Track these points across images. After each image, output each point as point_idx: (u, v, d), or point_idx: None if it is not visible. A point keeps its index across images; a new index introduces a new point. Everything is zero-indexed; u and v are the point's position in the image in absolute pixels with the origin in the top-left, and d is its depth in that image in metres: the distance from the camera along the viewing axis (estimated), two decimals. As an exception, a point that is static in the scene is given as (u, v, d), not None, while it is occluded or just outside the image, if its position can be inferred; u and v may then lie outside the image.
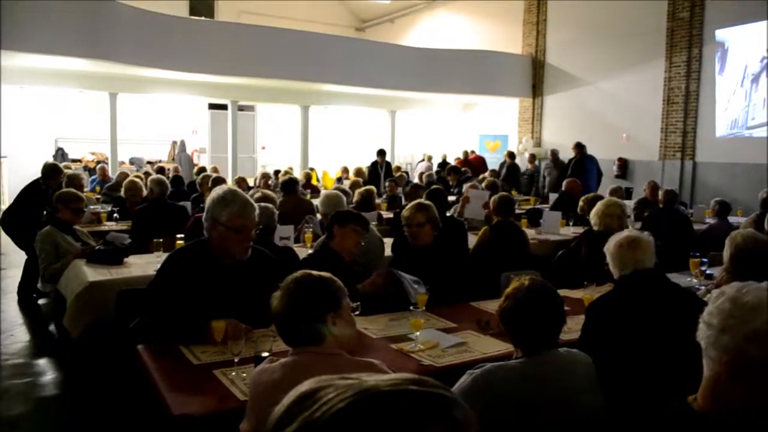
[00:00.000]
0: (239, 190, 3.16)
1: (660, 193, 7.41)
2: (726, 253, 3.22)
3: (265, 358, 2.42)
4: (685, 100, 12.56)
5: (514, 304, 2.21)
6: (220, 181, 7.06)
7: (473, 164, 14.47)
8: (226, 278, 2.97)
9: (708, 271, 4.53)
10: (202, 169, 10.52)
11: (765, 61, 11.46)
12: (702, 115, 12.43)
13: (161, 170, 10.63)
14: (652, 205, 7.95)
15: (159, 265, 3.12)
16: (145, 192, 6.72)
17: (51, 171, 7.06)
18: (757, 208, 6.95)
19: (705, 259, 4.60)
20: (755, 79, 11.60)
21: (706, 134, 12.39)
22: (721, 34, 12.09)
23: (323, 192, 5.68)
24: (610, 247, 2.96)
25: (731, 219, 7.37)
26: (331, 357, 1.94)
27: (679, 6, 12.57)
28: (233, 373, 2.47)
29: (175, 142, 17.18)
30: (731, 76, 11.99)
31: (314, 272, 2.07)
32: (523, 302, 2.19)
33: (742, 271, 3.06)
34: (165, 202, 6.24)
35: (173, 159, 16.72)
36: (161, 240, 4.65)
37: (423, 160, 16.29)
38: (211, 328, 2.72)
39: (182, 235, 4.74)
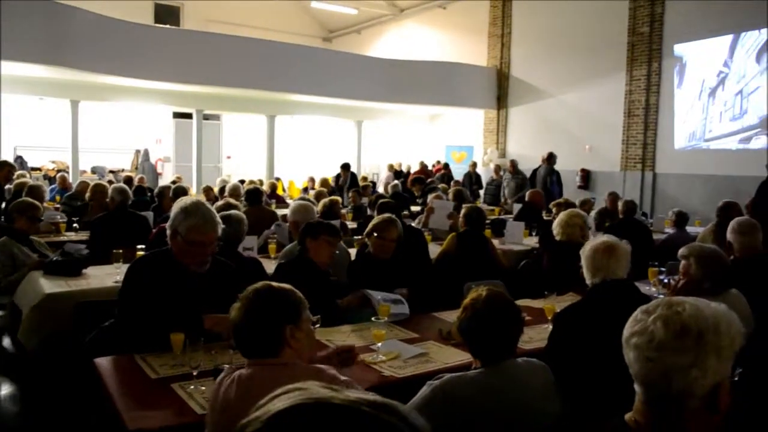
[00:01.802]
0: (206, 204, 3.14)
1: (620, 203, 7.53)
2: (697, 268, 3.22)
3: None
4: (645, 113, 12.84)
5: (471, 316, 2.21)
6: (181, 190, 6.98)
7: (435, 175, 14.55)
8: (191, 287, 2.95)
9: (666, 280, 4.61)
10: (176, 183, 10.39)
11: (721, 75, 11.78)
12: (661, 128, 12.71)
13: (129, 180, 10.48)
14: (613, 215, 8.08)
15: (119, 276, 3.08)
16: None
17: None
18: (714, 218, 7.11)
19: (663, 269, 4.69)
20: (712, 92, 11.92)
21: (665, 146, 12.68)
22: (679, 48, 12.40)
23: (295, 202, 5.64)
24: (586, 250, 2.92)
25: (689, 229, 7.52)
26: (287, 368, 1.91)
27: (639, 21, 12.86)
28: (191, 387, 2.43)
29: (138, 151, 16.95)
30: (689, 89, 12.29)
31: (275, 283, 2.05)
32: (480, 313, 2.19)
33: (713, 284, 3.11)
34: (126, 212, 6.12)
35: (136, 168, 16.49)
36: (121, 251, 4.57)
37: (394, 170, 16.33)
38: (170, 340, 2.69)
39: (143, 246, 4.67)
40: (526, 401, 2.14)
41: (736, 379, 1.44)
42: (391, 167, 16.50)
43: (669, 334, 1.39)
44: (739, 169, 11.30)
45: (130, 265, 3.10)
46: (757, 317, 3.16)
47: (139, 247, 4.67)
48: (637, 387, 1.46)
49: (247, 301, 1.97)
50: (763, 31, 11.06)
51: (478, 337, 2.21)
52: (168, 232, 3.00)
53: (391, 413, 0.72)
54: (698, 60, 12.13)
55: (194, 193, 11.02)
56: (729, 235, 4.03)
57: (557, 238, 4.73)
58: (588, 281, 2.91)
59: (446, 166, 15.57)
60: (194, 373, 2.47)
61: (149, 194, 8.91)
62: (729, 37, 11.60)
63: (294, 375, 1.84)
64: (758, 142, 11.23)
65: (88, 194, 6.88)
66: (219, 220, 3.08)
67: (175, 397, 2.37)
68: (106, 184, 7.08)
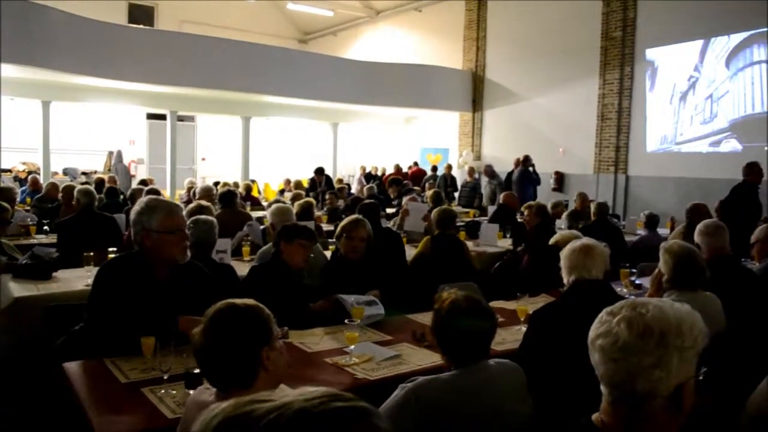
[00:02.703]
0: (160, 196, 3.13)
1: (592, 206, 7.62)
2: (666, 265, 3.27)
3: (197, 374, 2.39)
4: (618, 116, 13.01)
5: (442, 318, 2.21)
6: (154, 193, 6.91)
7: (410, 178, 14.58)
8: (162, 290, 2.92)
9: (637, 281, 4.68)
10: (144, 183, 10.26)
11: (692, 79, 11.98)
12: (634, 131, 12.89)
13: (101, 181, 10.34)
14: (582, 216, 8.19)
15: (90, 280, 3.05)
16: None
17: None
18: (684, 220, 7.22)
19: (634, 270, 4.76)
20: (683, 96, 12.11)
21: (637, 149, 12.85)
22: (651, 53, 12.58)
23: (274, 205, 5.62)
24: (565, 250, 2.97)
25: (660, 231, 7.63)
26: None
27: (612, 26, 13.03)
28: (162, 391, 2.41)
29: (111, 153, 16.75)
30: (661, 93, 12.48)
31: (238, 301, 1.82)
32: (452, 316, 2.19)
33: (682, 281, 3.15)
34: (93, 214, 6.01)
35: (109, 170, 16.29)
36: (91, 253, 4.51)
37: (365, 173, 16.34)
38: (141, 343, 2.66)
39: (114, 249, 4.62)
40: (498, 403, 2.15)
41: (700, 378, 1.46)
42: (363, 169, 16.51)
43: (632, 335, 1.41)
44: (710, 171, 11.50)
45: (100, 268, 3.06)
46: (727, 317, 3.22)
47: (110, 249, 4.62)
48: (603, 388, 1.48)
49: (211, 324, 1.75)
50: (732, 36, 11.27)
51: (450, 340, 2.20)
52: (137, 236, 2.95)
53: (356, 399, 0.75)
54: (669, 64, 12.32)
55: (168, 196, 10.92)
56: (697, 237, 4.10)
57: (551, 241, 4.73)
58: (565, 280, 2.95)
59: (435, 168, 15.57)
60: (165, 377, 2.45)
61: (122, 196, 8.81)
62: (699, 42, 11.80)
63: None
64: (728, 146, 11.43)
65: (60, 195, 6.77)
66: (180, 205, 3.11)
67: (145, 402, 2.35)
68: (77, 186, 6.97)
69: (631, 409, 1.43)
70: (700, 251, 3.91)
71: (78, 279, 4.41)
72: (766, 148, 10.78)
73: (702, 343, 1.44)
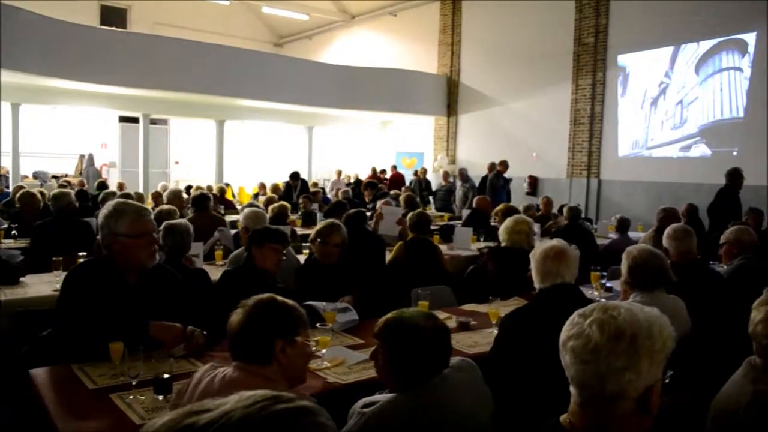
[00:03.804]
0: (128, 200, 3.09)
1: (564, 210, 7.71)
2: (624, 267, 3.34)
3: (166, 380, 2.37)
4: (590, 121, 13.17)
5: (386, 349, 2.08)
6: (126, 198, 6.82)
7: (390, 181, 14.61)
8: (131, 295, 2.89)
9: (608, 284, 4.73)
10: (103, 184, 10.13)
11: (663, 85, 12.17)
12: (606, 136, 13.05)
13: (66, 185, 10.21)
14: (548, 219, 8.32)
15: (58, 285, 3.00)
16: (42, 205, 6.43)
17: None
18: (655, 224, 7.33)
19: (605, 273, 4.81)
20: (654, 102, 12.30)
21: (609, 154, 13.02)
22: (622, 59, 12.76)
23: (248, 209, 5.59)
24: (536, 255, 2.94)
25: (631, 234, 7.74)
26: (268, 382, 1.87)
27: (584, 32, 13.19)
28: (131, 397, 2.38)
29: (82, 156, 16.56)
30: (632, 99, 12.66)
31: (280, 298, 2.07)
32: (394, 344, 2.07)
33: (639, 282, 3.21)
34: (67, 218, 5.95)
35: (80, 173, 16.09)
36: (60, 258, 4.45)
37: (340, 178, 16.30)
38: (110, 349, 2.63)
39: (84, 253, 4.56)
40: (460, 412, 2.08)
41: (666, 381, 1.49)
42: (339, 173, 16.50)
43: (604, 337, 1.43)
44: (680, 176, 11.70)
45: (68, 272, 3.01)
46: (694, 319, 3.27)
47: (80, 254, 4.56)
48: (572, 389, 1.50)
49: (246, 308, 2.01)
50: (702, 43, 11.48)
51: (398, 369, 2.07)
52: (104, 242, 2.92)
53: (299, 398, 0.77)
54: (641, 70, 12.50)
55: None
56: (665, 241, 4.16)
57: (503, 244, 4.79)
58: (536, 285, 2.94)
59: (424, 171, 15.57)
60: (133, 383, 2.42)
61: (92, 199, 8.70)
62: (670, 49, 12.00)
63: None
64: (697, 150, 11.63)
65: (17, 204, 6.66)
66: (149, 210, 3.06)
67: (113, 408, 2.32)
68: (36, 193, 6.89)
69: (600, 410, 1.45)
70: (668, 255, 3.98)
71: (47, 284, 4.34)
72: (734, 153, 10.99)
73: (671, 347, 1.47)
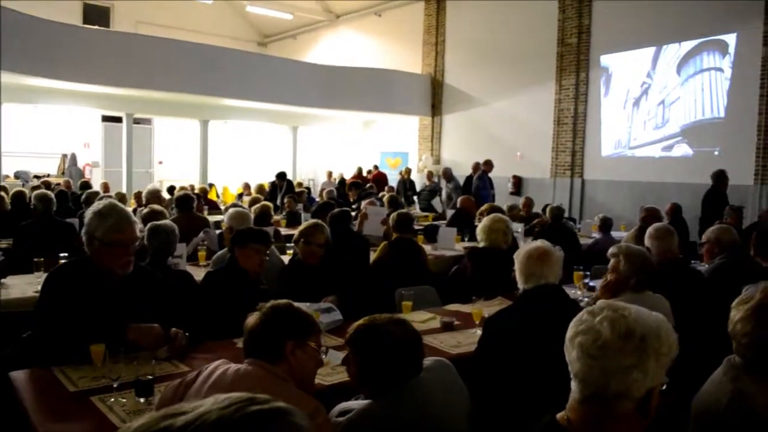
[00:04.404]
0: (119, 204, 3.05)
1: (547, 209, 7.75)
2: (620, 266, 3.32)
3: (147, 382, 2.35)
4: (574, 121, 13.24)
5: (356, 357, 2.10)
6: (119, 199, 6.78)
7: (372, 182, 14.60)
8: (112, 296, 2.87)
9: (591, 284, 4.76)
10: (86, 184, 10.04)
11: (645, 85, 12.26)
12: (589, 136, 13.13)
13: (47, 185, 10.11)
14: (531, 219, 8.38)
15: (39, 286, 2.98)
16: (8, 205, 6.38)
17: None
18: (638, 223, 7.39)
19: (588, 273, 4.84)
20: (636, 102, 12.39)
21: (593, 153, 13.09)
22: (605, 59, 12.84)
23: (231, 209, 5.57)
24: (519, 256, 2.95)
25: (614, 233, 7.79)
26: (278, 381, 1.95)
27: (567, 32, 13.26)
28: (112, 399, 2.37)
29: (65, 156, 16.39)
30: (615, 99, 12.74)
31: (296, 304, 2.14)
32: (364, 352, 2.08)
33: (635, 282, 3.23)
34: (51, 219, 5.93)
35: (63, 173, 15.93)
36: (42, 259, 4.41)
37: (331, 179, 16.28)
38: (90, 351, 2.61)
39: (66, 254, 4.52)
40: (437, 414, 2.08)
41: (663, 388, 1.51)
42: (329, 174, 16.48)
43: (615, 335, 1.44)
44: (662, 175, 11.80)
45: (48, 274, 2.99)
46: (676, 318, 3.30)
47: (61, 255, 4.52)
48: (574, 385, 1.50)
49: (264, 310, 2.09)
50: (683, 44, 11.58)
51: (368, 376, 2.09)
52: (84, 239, 2.90)
53: (274, 400, 0.77)
54: (623, 71, 12.59)
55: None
56: (647, 241, 4.20)
57: (481, 244, 4.80)
58: (520, 286, 2.94)
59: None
60: (115, 386, 2.40)
61: (74, 200, 8.62)
62: (652, 49, 12.09)
63: (279, 394, 1.82)
64: (679, 150, 11.73)
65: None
66: (135, 218, 3.01)
67: (94, 411, 2.30)
68: (2, 193, 6.84)
69: (601, 408, 1.46)
70: (650, 254, 4.01)
71: (28, 285, 4.30)
72: (716, 153, 11.10)
73: (675, 352, 1.49)
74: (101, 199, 6.82)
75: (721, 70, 11.12)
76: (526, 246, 3.02)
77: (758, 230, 5.35)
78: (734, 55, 10.89)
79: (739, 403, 1.92)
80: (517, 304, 2.94)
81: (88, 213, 2.92)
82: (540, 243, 3.01)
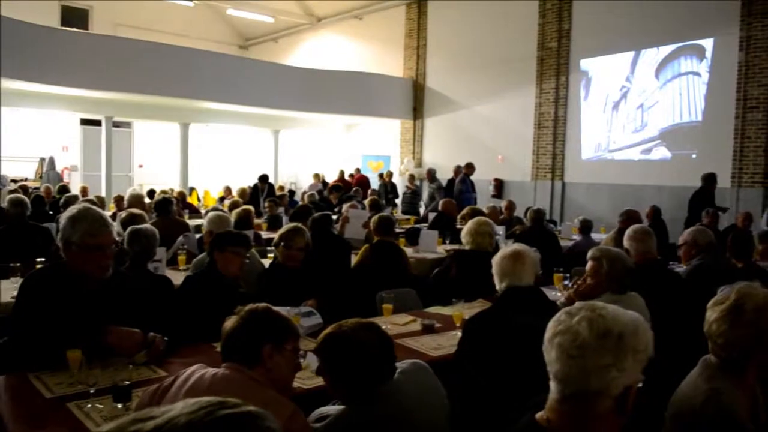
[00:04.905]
0: (94, 207, 3.02)
1: (528, 212, 7.79)
2: (600, 268, 3.34)
3: (125, 387, 2.33)
4: (554, 125, 13.34)
5: (327, 364, 2.12)
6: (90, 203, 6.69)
7: (354, 185, 14.59)
8: (89, 301, 2.83)
9: (571, 285, 4.78)
10: (64, 188, 9.93)
11: (624, 89, 12.39)
12: (569, 139, 13.23)
13: (25, 189, 10.00)
14: (512, 223, 8.42)
15: (16, 292, 2.94)
16: None
17: None
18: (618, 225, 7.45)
19: (568, 275, 4.87)
20: (615, 106, 12.51)
21: (573, 156, 13.20)
22: (585, 63, 12.96)
23: (211, 213, 5.53)
24: (496, 257, 3.04)
25: (594, 236, 7.85)
26: (256, 385, 1.94)
27: (547, 37, 13.36)
28: (88, 405, 2.34)
29: (43, 159, 16.20)
30: (595, 102, 12.86)
31: (275, 308, 2.14)
32: (334, 359, 2.10)
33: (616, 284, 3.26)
34: (25, 224, 5.84)
35: (41, 177, 15.75)
36: (18, 264, 4.35)
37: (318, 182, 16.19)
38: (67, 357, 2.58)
39: (42, 259, 4.47)
40: (415, 416, 2.07)
41: (640, 385, 1.52)
42: (317, 177, 16.43)
43: (593, 334, 1.46)
44: (641, 178, 11.92)
45: (24, 279, 2.96)
46: (653, 319, 3.33)
47: (38, 260, 4.46)
48: (554, 385, 1.52)
49: (241, 313, 2.08)
50: (661, 48, 11.72)
51: (340, 383, 2.10)
52: (60, 245, 2.87)
53: (244, 404, 0.78)
54: (603, 75, 12.71)
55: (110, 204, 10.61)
56: (625, 242, 4.24)
57: (466, 247, 4.82)
58: (497, 286, 3.01)
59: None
60: (91, 391, 2.37)
61: (52, 204, 8.52)
62: (630, 54, 12.22)
63: (257, 398, 1.82)
64: (658, 153, 11.86)
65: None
66: (111, 221, 2.98)
67: (70, 417, 2.27)
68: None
69: (581, 407, 1.48)
70: (629, 255, 4.05)
71: (4, 291, 4.24)
72: (693, 156, 11.24)
73: (651, 350, 1.51)
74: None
75: (698, 74, 11.26)
76: (504, 249, 3.09)
77: (734, 233, 5.42)
78: (711, 60, 11.04)
79: (714, 402, 1.95)
80: (496, 305, 2.97)
81: (63, 219, 2.88)
82: (516, 245, 3.09)
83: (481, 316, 2.95)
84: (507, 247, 3.09)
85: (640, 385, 1.52)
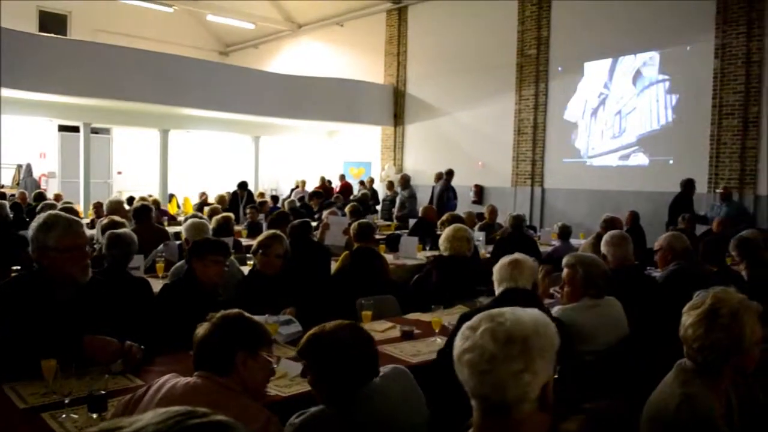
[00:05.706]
0: (60, 212, 3.00)
1: (508, 218, 7.84)
2: (576, 274, 3.37)
3: (100, 397, 2.31)
4: (534, 131, 13.44)
5: (310, 366, 2.13)
6: (67, 210, 6.63)
7: (339, 191, 14.59)
8: (64, 310, 2.80)
9: (549, 290, 4.82)
10: (41, 195, 9.81)
11: (602, 96, 12.51)
12: (548, 145, 13.34)
13: (2, 196, 9.87)
14: (493, 227, 8.45)
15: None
16: None
17: None
18: (597, 231, 7.51)
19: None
20: (594, 112, 12.63)
21: (552, 163, 13.31)
22: (563, 70, 13.07)
23: (189, 220, 5.50)
24: (497, 265, 3.26)
25: (573, 241, 7.91)
26: (229, 393, 1.93)
27: (527, 44, 13.48)
28: (63, 416, 2.31)
29: (20, 166, 15.99)
30: (574, 109, 12.97)
31: (248, 314, 2.12)
32: (317, 360, 2.11)
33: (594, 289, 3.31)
34: (5, 232, 5.78)
35: (17, 184, 15.55)
36: (-7, 273, 4.30)
37: (296, 187, 16.12)
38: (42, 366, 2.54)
39: (18, 267, 4.42)
40: (393, 420, 2.08)
41: (556, 376, 1.53)
42: (302, 183, 16.39)
43: (498, 344, 1.46)
44: (620, 184, 12.05)
45: (-2, 287, 2.92)
46: (630, 323, 3.37)
47: (14, 268, 4.42)
48: (474, 403, 1.51)
49: (214, 320, 2.06)
50: (638, 55, 11.87)
51: (323, 384, 2.10)
52: (35, 254, 2.83)
53: (213, 413, 0.77)
54: (581, 81, 12.83)
55: (81, 210, 10.52)
56: (603, 248, 4.28)
57: (444, 253, 4.85)
58: (496, 290, 3.23)
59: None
60: (66, 401, 2.34)
61: (29, 211, 8.42)
62: (608, 61, 12.36)
63: (230, 406, 1.84)
64: (636, 159, 11.99)
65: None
66: (81, 221, 2.97)
67: (45, 428, 2.24)
68: None
69: (505, 417, 1.47)
70: (606, 260, 4.09)
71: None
72: (670, 162, 11.37)
73: (558, 343, 1.51)
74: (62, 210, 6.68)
75: (675, 81, 11.41)
76: (504, 257, 3.30)
77: (706, 239, 5.51)
78: (687, 67, 11.19)
79: (688, 407, 1.97)
80: (492, 304, 3.05)
81: (33, 228, 2.85)
82: (516, 255, 3.30)
83: (478, 311, 2.96)
84: (507, 256, 3.27)
85: (556, 376, 1.52)
